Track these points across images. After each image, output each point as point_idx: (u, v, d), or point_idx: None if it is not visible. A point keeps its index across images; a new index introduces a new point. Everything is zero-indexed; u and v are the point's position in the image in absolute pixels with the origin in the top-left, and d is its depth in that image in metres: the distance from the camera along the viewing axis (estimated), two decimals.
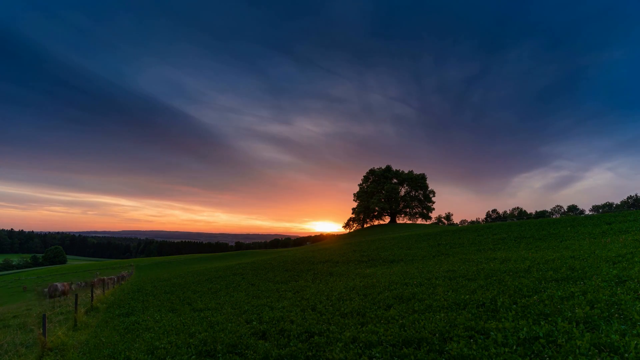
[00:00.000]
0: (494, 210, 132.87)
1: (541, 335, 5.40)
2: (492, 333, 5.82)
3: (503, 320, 6.44)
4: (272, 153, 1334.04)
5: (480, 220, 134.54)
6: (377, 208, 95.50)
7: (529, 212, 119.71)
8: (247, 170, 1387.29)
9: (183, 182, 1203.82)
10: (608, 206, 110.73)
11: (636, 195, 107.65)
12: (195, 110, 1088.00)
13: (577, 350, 4.71)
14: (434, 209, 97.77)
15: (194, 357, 7.00)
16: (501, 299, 7.82)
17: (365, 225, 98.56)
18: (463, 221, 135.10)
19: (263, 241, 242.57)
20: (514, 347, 5.17)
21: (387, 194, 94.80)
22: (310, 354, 6.29)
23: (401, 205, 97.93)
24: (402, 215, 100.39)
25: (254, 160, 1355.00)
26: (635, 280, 7.75)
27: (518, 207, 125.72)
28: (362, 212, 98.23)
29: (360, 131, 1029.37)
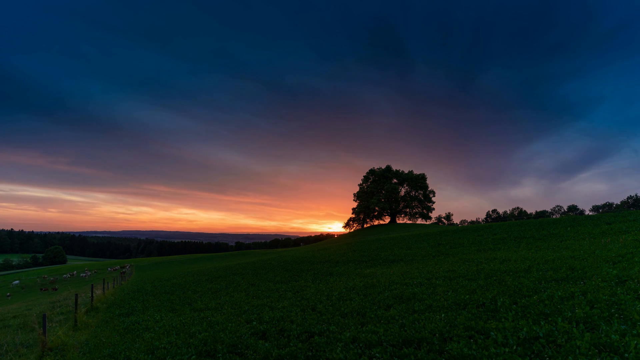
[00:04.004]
0: (494, 210, 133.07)
1: (541, 335, 5.40)
2: (492, 333, 5.82)
3: (503, 320, 6.44)
4: (161, 112, 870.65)
5: (480, 220, 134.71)
6: (377, 208, 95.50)
7: (529, 212, 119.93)
8: (156, 149, 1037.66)
9: (73, 162, 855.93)
10: (608, 206, 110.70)
11: (636, 195, 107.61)
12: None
13: (577, 350, 4.71)
14: (434, 209, 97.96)
15: (194, 357, 7.00)
16: (501, 299, 7.81)
17: (365, 225, 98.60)
18: (463, 221, 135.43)
19: (263, 241, 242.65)
20: (514, 347, 5.17)
21: (387, 194, 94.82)
22: (310, 354, 6.29)
23: (401, 205, 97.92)
24: (402, 215, 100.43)
25: (149, 129, 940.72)
26: (635, 280, 7.75)
27: (518, 207, 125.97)
28: (362, 212, 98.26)
29: (267, 73, 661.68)
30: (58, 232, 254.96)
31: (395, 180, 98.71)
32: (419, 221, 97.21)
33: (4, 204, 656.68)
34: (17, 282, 49.79)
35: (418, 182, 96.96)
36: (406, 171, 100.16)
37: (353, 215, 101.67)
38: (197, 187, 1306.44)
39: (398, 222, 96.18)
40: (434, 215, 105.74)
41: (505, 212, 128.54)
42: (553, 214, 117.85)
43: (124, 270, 48.65)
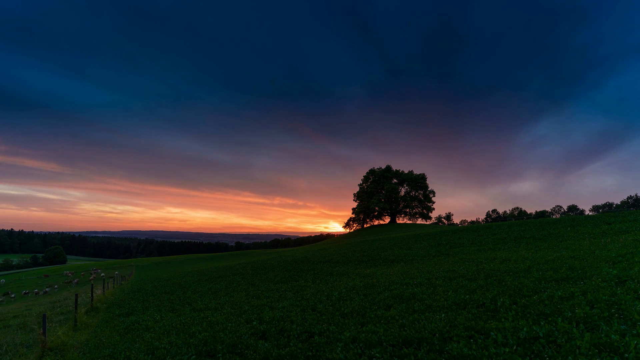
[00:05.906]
0: (494, 210, 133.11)
1: (541, 335, 5.40)
2: (492, 333, 5.82)
3: (503, 320, 6.44)
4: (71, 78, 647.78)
5: (480, 220, 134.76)
6: (377, 208, 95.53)
7: (529, 211, 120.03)
8: (89, 133, 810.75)
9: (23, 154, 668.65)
10: (608, 206, 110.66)
11: (636, 195, 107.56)
12: None
13: (577, 350, 4.71)
14: (434, 209, 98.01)
15: (194, 357, 7.00)
16: (501, 299, 7.81)
17: (365, 225, 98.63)
18: (463, 221, 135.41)
19: (263, 241, 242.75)
20: (514, 347, 5.17)
21: (387, 194, 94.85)
22: (310, 354, 6.29)
23: (401, 205, 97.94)
24: (402, 215, 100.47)
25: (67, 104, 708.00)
26: (635, 280, 7.75)
27: (518, 207, 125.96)
28: (362, 212, 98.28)
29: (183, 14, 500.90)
30: (58, 232, 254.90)
31: (395, 180, 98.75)
32: (419, 221, 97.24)
33: None
34: (3, 281, 49.70)
35: (418, 182, 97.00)
36: (406, 171, 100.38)
37: (353, 215, 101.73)
38: (167, 183, 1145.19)
39: (398, 222, 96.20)
40: (434, 215, 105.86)
41: (505, 212, 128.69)
42: (553, 214, 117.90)
43: (102, 275, 43.91)
